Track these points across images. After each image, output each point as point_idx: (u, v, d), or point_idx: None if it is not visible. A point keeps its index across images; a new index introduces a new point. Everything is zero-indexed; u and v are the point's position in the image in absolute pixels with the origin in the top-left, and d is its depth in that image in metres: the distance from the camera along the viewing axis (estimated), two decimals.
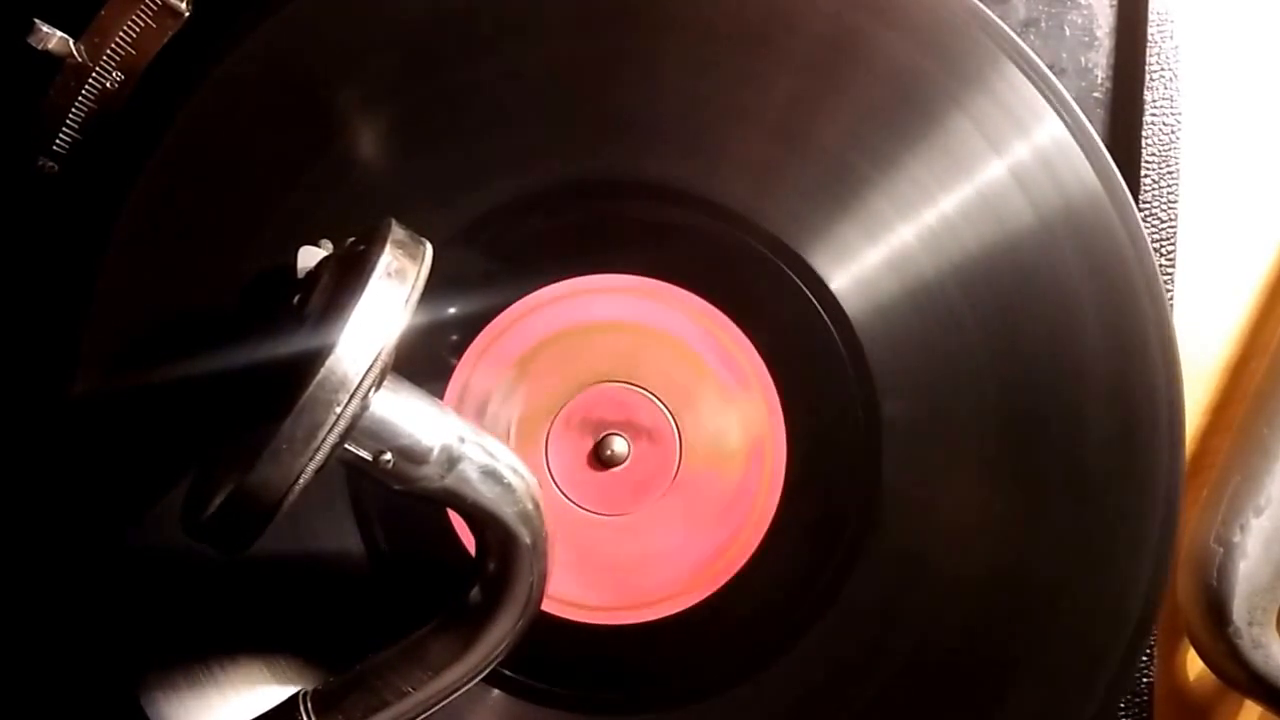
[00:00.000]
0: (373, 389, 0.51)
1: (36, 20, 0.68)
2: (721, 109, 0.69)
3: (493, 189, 0.69)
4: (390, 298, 0.51)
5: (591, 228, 0.70)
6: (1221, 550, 0.76)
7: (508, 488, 0.58)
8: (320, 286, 0.55)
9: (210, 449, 0.57)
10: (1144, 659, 0.76)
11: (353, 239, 0.57)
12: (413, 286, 0.52)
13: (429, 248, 0.55)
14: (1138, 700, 0.77)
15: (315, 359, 0.49)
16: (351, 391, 0.49)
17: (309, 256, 0.58)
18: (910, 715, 0.71)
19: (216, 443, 0.55)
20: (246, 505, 0.50)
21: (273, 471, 0.49)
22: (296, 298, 0.56)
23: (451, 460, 0.56)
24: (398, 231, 0.54)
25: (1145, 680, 0.77)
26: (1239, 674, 0.78)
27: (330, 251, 0.58)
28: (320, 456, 0.50)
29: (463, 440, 0.57)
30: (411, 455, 0.55)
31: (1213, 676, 0.80)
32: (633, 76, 0.68)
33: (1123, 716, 0.77)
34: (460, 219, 0.69)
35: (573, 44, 0.68)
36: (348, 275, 0.52)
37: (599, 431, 0.71)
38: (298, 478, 0.50)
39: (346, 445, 0.52)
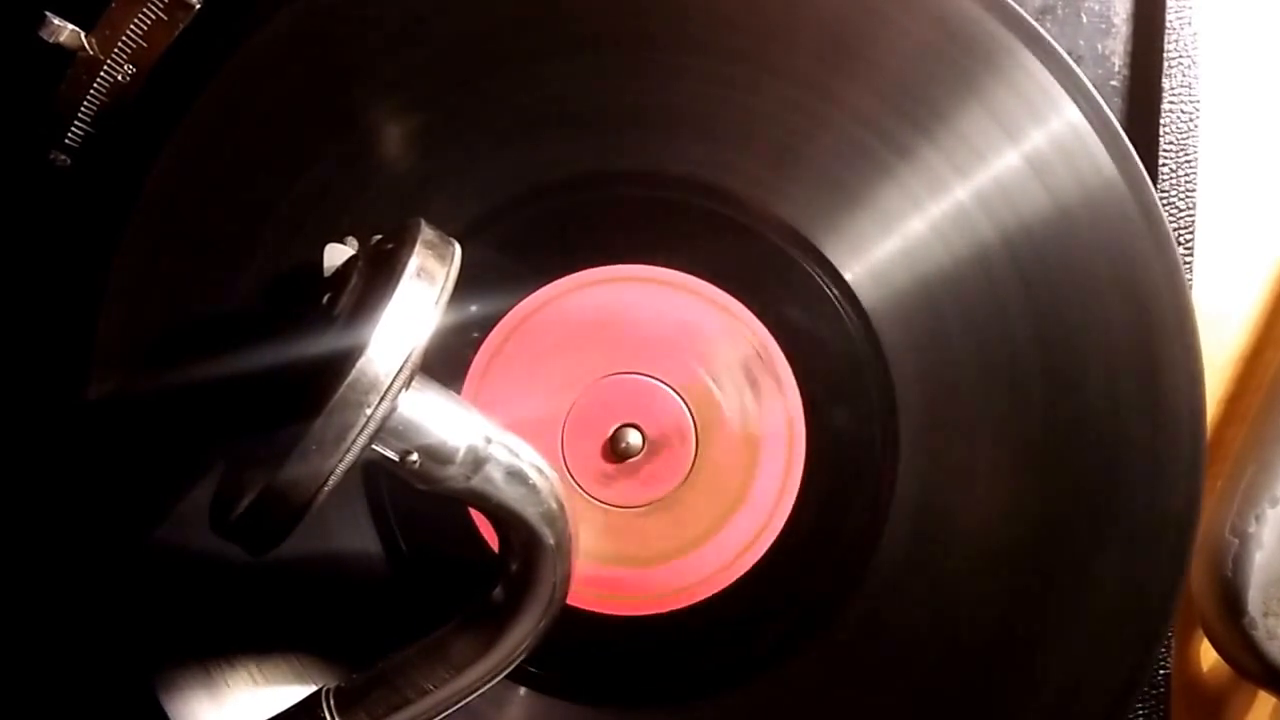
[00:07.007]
0: (402, 390, 0.50)
1: (48, 13, 0.68)
2: (735, 98, 0.68)
3: (508, 182, 0.69)
4: (420, 299, 0.51)
5: (605, 219, 0.70)
6: (1236, 541, 0.76)
7: (532, 488, 0.58)
8: (349, 287, 0.54)
9: (237, 449, 0.56)
10: (1161, 650, 0.76)
11: (379, 237, 0.56)
12: (442, 288, 0.52)
13: (458, 248, 0.55)
14: (1154, 692, 0.77)
15: (346, 360, 0.49)
16: (382, 393, 0.49)
17: (336, 254, 0.57)
18: (931, 701, 0.71)
19: (244, 442, 0.55)
20: (276, 505, 0.50)
21: (302, 472, 0.49)
22: (326, 297, 0.56)
23: (477, 461, 0.56)
24: (427, 231, 0.54)
25: (1162, 671, 0.77)
26: (1253, 665, 0.78)
27: (356, 249, 0.58)
28: (350, 457, 0.49)
29: (488, 440, 0.56)
30: (438, 455, 0.55)
31: (1227, 667, 0.80)
32: (646, 67, 0.68)
33: (1139, 707, 0.77)
34: (474, 213, 0.69)
35: (587, 34, 0.68)
36: (377, 276, 0.52)
37: (614, 423, 0.70)
38: (327, 478, 0.50)
39: (374, 445, 0.52)
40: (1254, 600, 0.76)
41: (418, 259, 0.52)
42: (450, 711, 0.61)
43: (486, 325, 0.70)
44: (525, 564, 0.59)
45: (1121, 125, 0.69)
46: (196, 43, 0.69)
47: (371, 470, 0.69)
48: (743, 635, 0.72)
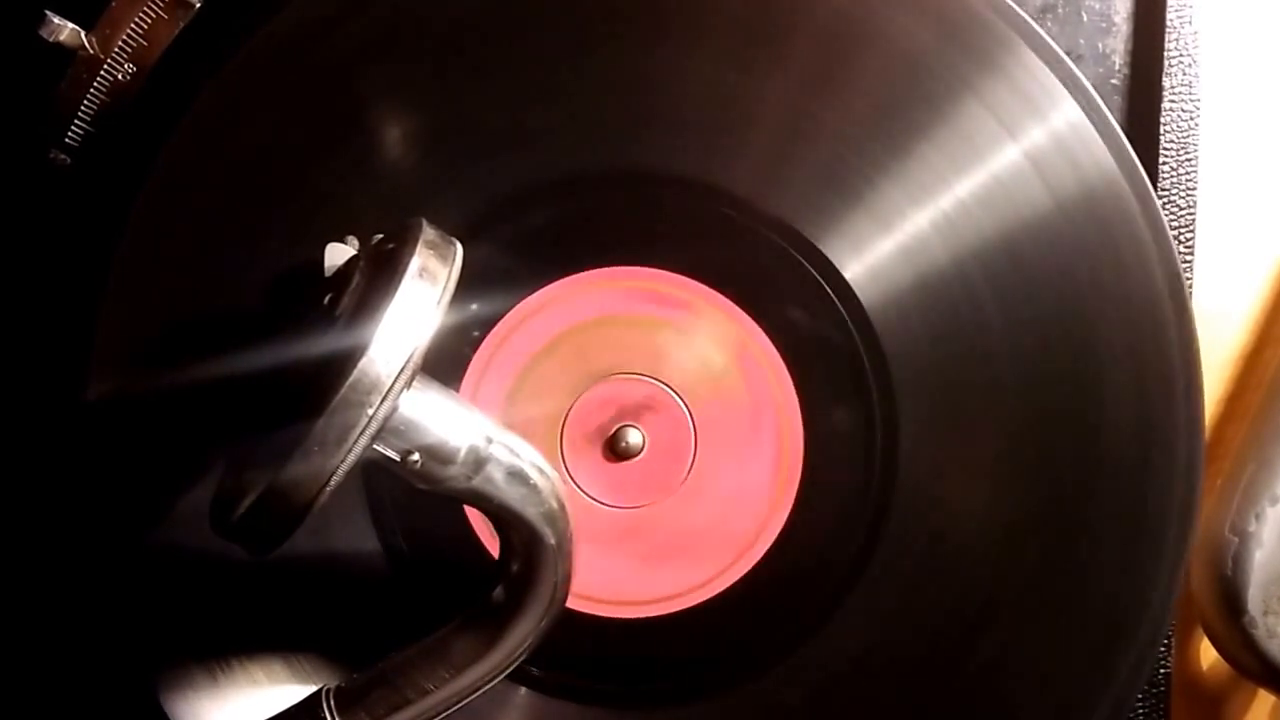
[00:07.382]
0: (403, 389, 0.50)
1: (48, 12, 0.67)
2: (733, 96, 0.68)
3: (508, 182, 0.69)
4: (422, 299, 0.51)
5: (605, 219, 0.70)
6: (1236, 539, 0.76)
7: (533, 489, 0.58)
8: (351, 286, 0.54)
9: (238, 449, 0.56)
10: (1161, 650, 0.76)
11: (381, 236, 0.56)
12: (444, 288, 0.52)
13: (459, 248, 0.55)
14: (1154, 690, 0.77)
15: (348, 360, 0.49)
16: (384, 393, 0.49)
17: (337, 254, 0.57)
18: (931, 702, 0.71)
19: (245, 443, 0.55)
20: (278, 506, 0.50)
21: (304, 472, 0.49)
22: (327, 297, 0.55)
23: (479, 461, 0.56)
24: (429, 231, 0.54)
25: (1162, 670, 0.77)
26: (1253, 664, 0.78)
27: (357, 249, 0.58)
28: (352, 458, 0.49)
29: (489, 440, 0.56)
30: (439, 455, 0.55)
31: (1227, 666, 0.80)
32: (643, 67, 0.68)
33: (1139, 706, 0.77)
34: (475, 213, 0.68)
35: (587, 34, 0.68)
36: (379, 275, 0.52)
37: (613, 424, 0.70)
38: (329, 478, 0.49)
39: (375, 445, 0.52)
40: (1254, 599, 0.76)
41: (419, 259, 0.52)
42: (450, 711, 0.61)
43: (486, 325, 0.69)
44: (526, 564, 0.59)
45: (1122, 124, 0.69)
46: (196, 42, 0.69)
47: (371, 470, 0.69)
48: (742, 636, 0.72)
